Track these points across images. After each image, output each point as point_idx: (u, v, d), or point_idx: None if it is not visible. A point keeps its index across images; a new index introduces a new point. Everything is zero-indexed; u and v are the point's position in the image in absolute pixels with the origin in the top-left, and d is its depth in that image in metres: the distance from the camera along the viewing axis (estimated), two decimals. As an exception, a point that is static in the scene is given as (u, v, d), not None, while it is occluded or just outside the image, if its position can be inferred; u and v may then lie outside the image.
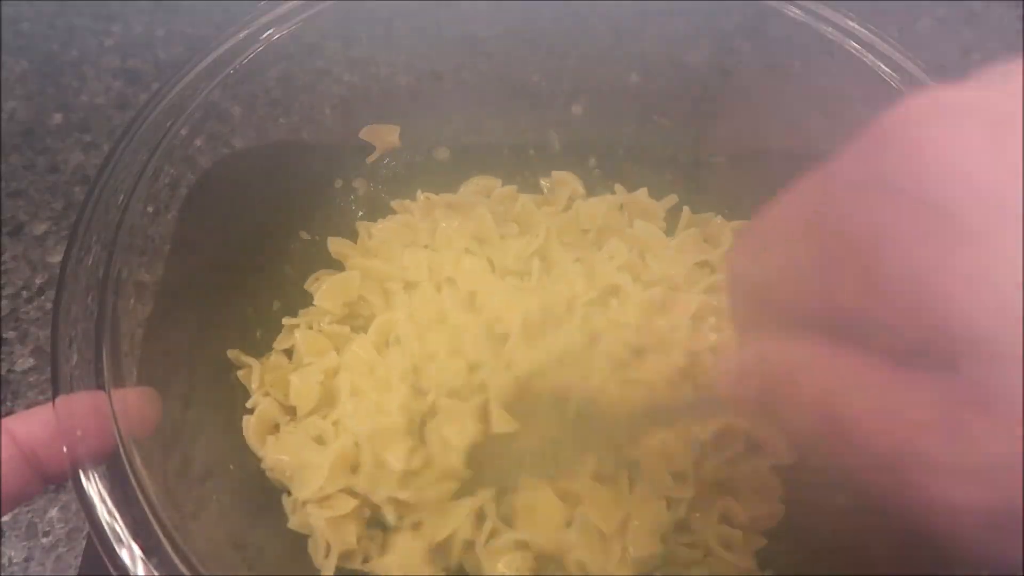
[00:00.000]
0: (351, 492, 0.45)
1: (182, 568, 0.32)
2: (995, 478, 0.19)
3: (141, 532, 0.32)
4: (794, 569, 0.45)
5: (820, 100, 0.53)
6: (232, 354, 0.50)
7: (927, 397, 0.20)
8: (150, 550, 0.32)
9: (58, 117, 0.74)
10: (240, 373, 0.50)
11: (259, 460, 0.47)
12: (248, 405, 0.48)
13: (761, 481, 0.47)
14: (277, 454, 0.46)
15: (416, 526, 0.45)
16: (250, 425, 0.47)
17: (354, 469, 0.45)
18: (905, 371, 0.21)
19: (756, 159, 0.58)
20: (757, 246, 0.26)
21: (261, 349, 0.51)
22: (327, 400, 0.48)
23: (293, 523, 0.45)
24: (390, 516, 0.44)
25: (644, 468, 0.45)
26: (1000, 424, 0.18)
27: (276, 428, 0.48)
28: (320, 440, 0.46)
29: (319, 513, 0.43)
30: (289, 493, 0.46)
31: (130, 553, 0.32)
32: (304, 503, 0.44)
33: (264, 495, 0.46)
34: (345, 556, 0.44)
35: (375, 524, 0.46)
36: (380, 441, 0.44)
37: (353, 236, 0.57)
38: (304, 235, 0.56)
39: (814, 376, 0.23)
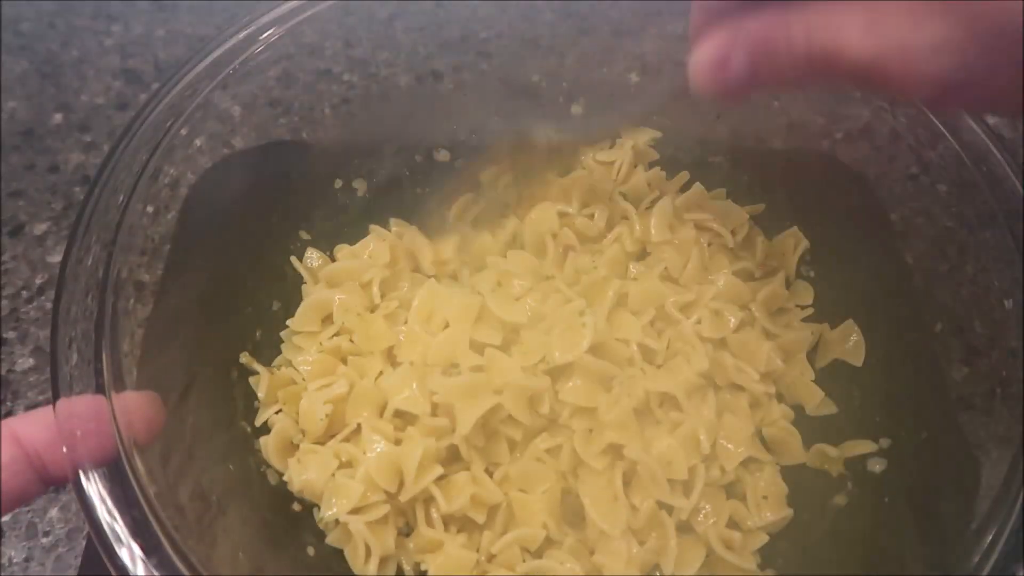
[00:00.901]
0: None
1: (182, 568, 0.32)
2: None
3: (141, 532, 0.32)
4: (795, 569, 0.45)
5: (820, 100, 0.53)
6: (245, 359, 0.50)
7: None
8: (150, 550, 0.32)
9: (58, 117, 0.74)
10: (252, 379, 0.50)
11: (258, 460, 0.47)
12: (258, 423, 0.48)
13: (770, 486, 0.47)
14: (302, 475, 0.45)
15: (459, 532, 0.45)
16: (269, 445, 0.47)
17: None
18: None
19: (756, 159, 0.58)
20: None
21: (261, 348, 0.51)
22: (338, 422, 0.48)
23: (332, 539, 0.45)
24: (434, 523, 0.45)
25: (641, 472, 0.45)
26: None
27: (294, 444, 0.48)
28: (349, 463, 0.46)
29: (357, 519, 0.43)
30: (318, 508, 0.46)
31: (130, 553, 0.32)
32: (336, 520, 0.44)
33: (263, 495, 0.46)
34: (383, 563, 0.44)
35: (405, 532, 0.46)
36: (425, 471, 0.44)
37: (351, 238, 0.57)
38: (304, 235, 0.56)
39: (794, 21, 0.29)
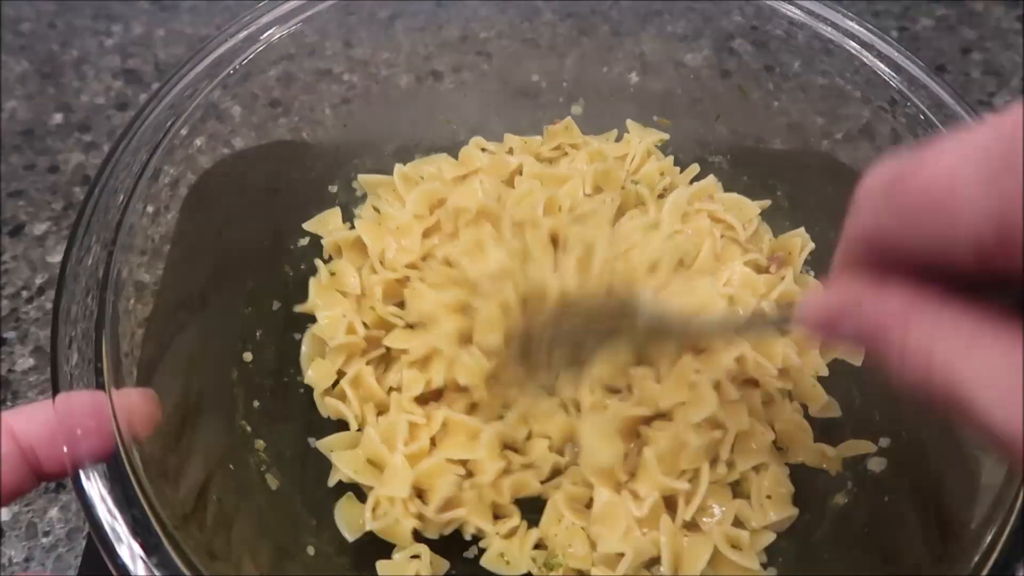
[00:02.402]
0: None
1: (182, 568, 0.32)
2: None
3: (141, 532, 0.32)
4: (795, 568, 0.45)
5: (820, 100, 0.53)
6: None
7: None
8: (150, 550, 0.32)
9: (58, 117, 0.74)
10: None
11: (258, 460, 0.47)
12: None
13: (775, 485, 0.47)
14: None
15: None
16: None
17: None
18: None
19: (756, 159, 0.58)
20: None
21: (261, 349, 0.51)
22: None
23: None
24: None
25: (644, 463, 0.45)
26: None
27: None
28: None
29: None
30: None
31: (130, 552, 0.32)
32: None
33: (264, 495, 0.46)
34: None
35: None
36: None
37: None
38: (304, 235, 0.56)
39: (917, 328, 0.22)
